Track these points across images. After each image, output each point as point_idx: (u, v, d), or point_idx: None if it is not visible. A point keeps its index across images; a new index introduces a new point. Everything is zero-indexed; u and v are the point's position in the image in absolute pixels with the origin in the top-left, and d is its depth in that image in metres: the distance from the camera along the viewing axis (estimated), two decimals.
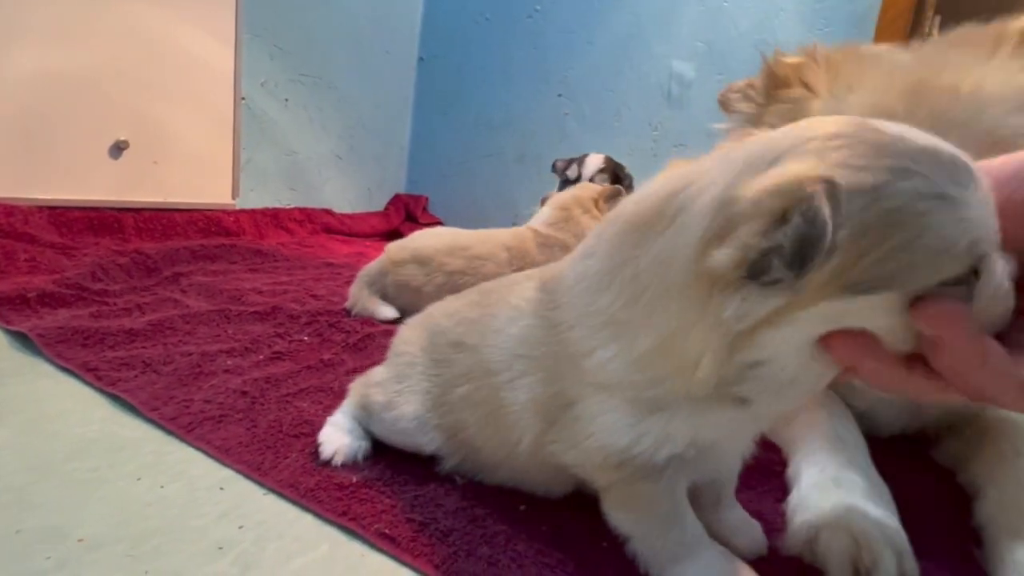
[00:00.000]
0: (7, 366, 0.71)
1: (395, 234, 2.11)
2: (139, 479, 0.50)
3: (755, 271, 0.26)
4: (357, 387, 0.59)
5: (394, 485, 0.52)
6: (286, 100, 1.87)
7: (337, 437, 0.56)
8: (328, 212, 2.07)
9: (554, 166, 1.79)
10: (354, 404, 0.58)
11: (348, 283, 1.34)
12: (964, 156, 0.26)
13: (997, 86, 0.43)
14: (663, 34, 1.90)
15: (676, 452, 0.36)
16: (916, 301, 0.26)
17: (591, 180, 1.67)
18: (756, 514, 0.51)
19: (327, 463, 0.54)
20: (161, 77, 1.48)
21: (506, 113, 2.25)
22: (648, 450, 0.36)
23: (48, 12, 1.29)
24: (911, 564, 0.42)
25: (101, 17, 1.37)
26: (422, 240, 1.11)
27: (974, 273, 0.26)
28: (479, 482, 0.52)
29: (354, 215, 2.20)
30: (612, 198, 1.19)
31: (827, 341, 0.28)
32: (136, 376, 0.70)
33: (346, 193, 2.23)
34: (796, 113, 0.53)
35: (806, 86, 0.54)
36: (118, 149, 1.42)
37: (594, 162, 1.68)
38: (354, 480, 0.52)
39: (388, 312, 1.05)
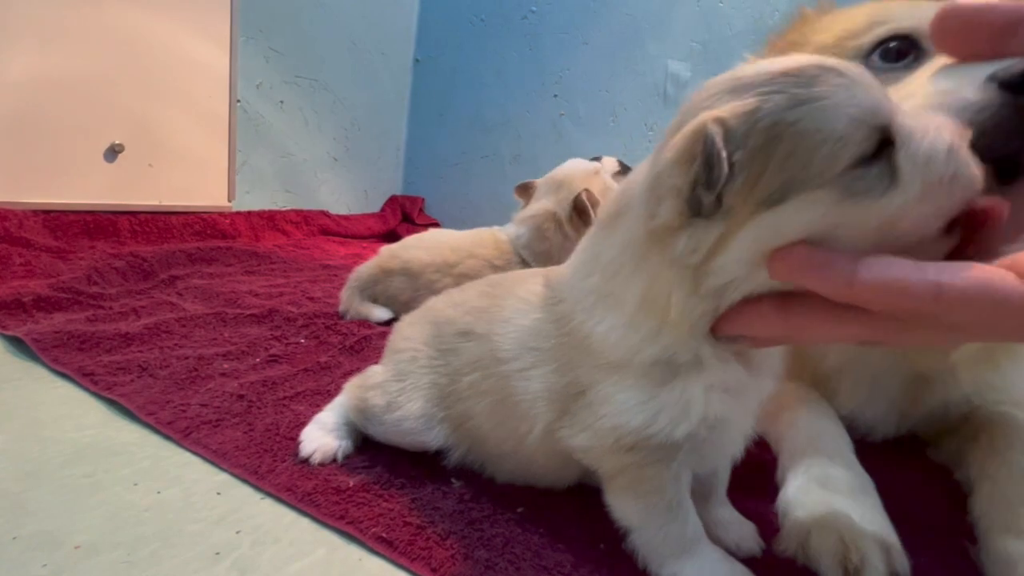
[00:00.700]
0: (2, 371, 0.70)
1: (392, 235, 2.11)
2: (135, 484, 0.50)
3: (693, 207, 0.30)
4: (352, 389, 0.59)
5: (391, 488, 0.52)
6: (281, 102, 1.87)
7: (318, 436, 0.56)
8: (324, 214, 2.07)
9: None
10: (348, 407, 0.58)
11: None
12: (830, 63, 0.30)
13: None
14: (658, 34, 1.90)
15: (692, 430, 0.37)
16: (778, 250, 0.30)
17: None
18: (757, 515, 0.51)
19: (305, 461, 0.54)
20: (156, 80, 1.47)
21: (502, 114, 2.25)
22: (665, 428, 0.37)
23: (42, 15, 1.29)
24: (901, 559, 0.42)
25: (96, 20, 1.36)
26: (414, 253, 1.10)
27: (890, 145, 0.29)
28: (477, 484, 0.52)
29: (350, 217, 2.19)
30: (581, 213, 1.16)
31: (768, 264, 0.31)
32: (132, 380, 0.69)
33: (342, 195, 2.22)
34: None
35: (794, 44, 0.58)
36: (113, 152, 1.42)
37: (610, 165, 1.67)
38: (351, 484, 0.52)
39: (382, 314, 1.05)
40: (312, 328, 0.97)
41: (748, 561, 0.46)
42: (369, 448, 0.58)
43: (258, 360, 0.82)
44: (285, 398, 0.69)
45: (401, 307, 1.02)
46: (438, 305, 0.58)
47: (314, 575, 0.41)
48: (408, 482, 0.53)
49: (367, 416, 0.56)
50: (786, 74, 0.29)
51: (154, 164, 1.49)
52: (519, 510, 0.50)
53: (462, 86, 2.34)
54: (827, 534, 0.43)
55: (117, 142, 1.41)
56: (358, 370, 0.82)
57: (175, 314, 0.96)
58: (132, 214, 1.46)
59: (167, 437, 0.58)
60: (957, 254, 0.30)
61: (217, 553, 0.42)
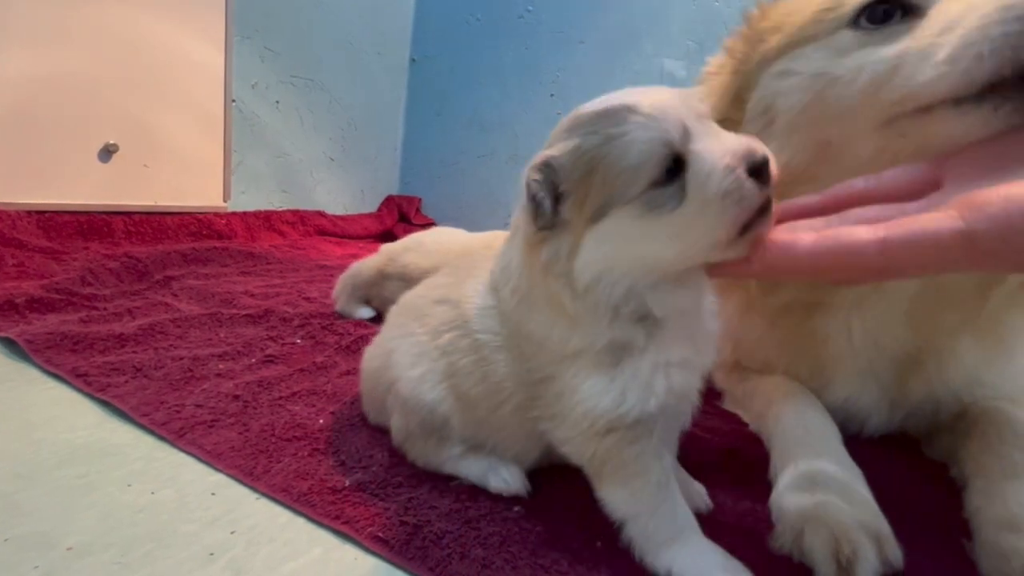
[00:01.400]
0: None
1: (388, 235, 2.10)
2: (129, 485, 0.49)
3: (539, 223, 0.39)
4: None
5: (388, 488, 0.51)
6: (277, 102, 1.87)
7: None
8: (321, 214, 2.06)
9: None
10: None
11: None
12: (636, 103, 0.36)
13: None
14: (654, 33, 1.90)
15: (662, 401, 0.41)
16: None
17: None
18: (753, 513, 0.51)
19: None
20: (151, 80, 1.47)
21: (498, 113, 2.25)
22: (636, 405, 0.40)
23: (36, 15, 1.28)
24: (893, 550, 0.43)
25: (90, 20, 1.35)
26: (413, 258, 1.08)
27: (683, 169, 0.36)
28: (472, 484, 0.52)
29: (347, 217, 2.19)
30: None
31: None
32: (126, 381, 0.69)
33: (339, 195, 2.22)
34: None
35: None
36: (108, 152, 1.41)
37: None
38: (347, 483, 0.51)
39: (365, 312, 1.06)
40: (308, 328, 0.96)
41: (749, 559, 0.46)
42: (366, 448, 0.58)
43: (254, 360, 0.81)
44: (281, 398, 0.69)
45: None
46: (395, 306, 0.62)
47: (309, 575, 0.41)
48: (405, 481, 0.53)
49: (416, 432, 0.55)
50: (601, 115, 0.37)
51: (149, 164, 1.49)
52: (516, 509, 0.50)
53: (459, 86, 2.34)
54: (819, 529, 0.43)
55: (111, 142, 1.40)
56: (354, 369, 0.82)
57: (170, 315, 0.96)
58: (127, 214, 1.45)
59: (161, 438, 0.58)
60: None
61: (211, 553, 0.42)
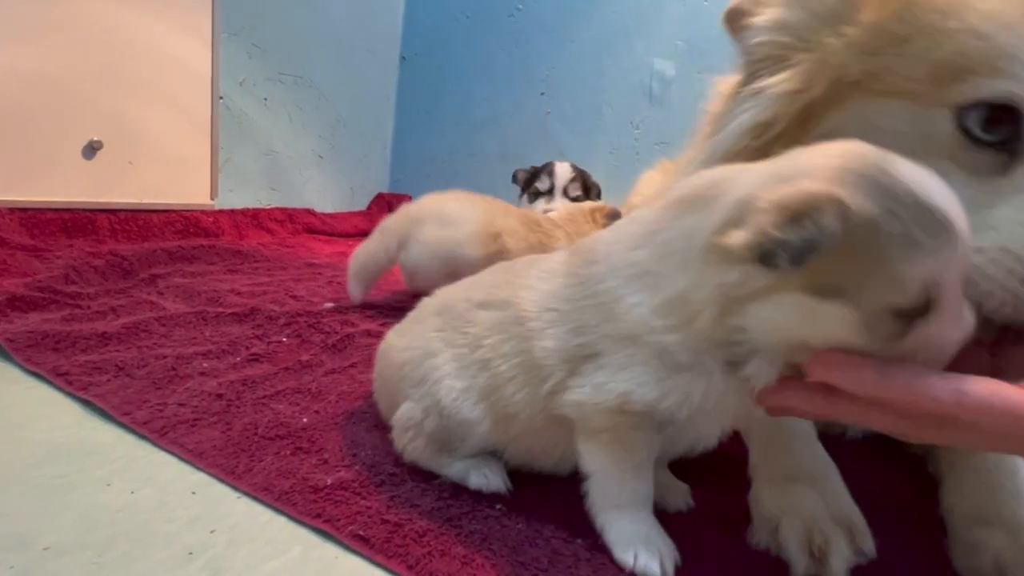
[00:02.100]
0: None
1: None
2: (109, 484, 0.49)
3: (761, 255, 0.31)
4: (408, 448, 0.55)
5: (370, 486, 0.51)
6: (265, 99, 1.85)
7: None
8: (310, 212, 2.05)
9: (515, 176, 1.78)
10: (428, 456, 0.54)
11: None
12: (950, 209, 0.30)
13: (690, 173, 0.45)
14: (644, 33, 1.91)
15: (691, 413, 0.41)
16: (817, 352, 0.33)
17: (564, 191, 1.66)
18: (734, 509, 0.52)
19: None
20: (136, 76, 1.45)
21: (488, 112, 2.25)
22: (670, 407, 0.40)
23: (20, 9, 1.27)
24: (866, 540, 0.44)
25: (73, 15, 1.34)
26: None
27: (928, 309, 0.31)
28: (454, 483, 0.52)
29: (336, 215, 2.18)
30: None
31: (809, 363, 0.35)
32: (108, 380, 0.68)
33: (328, 193, 2.21)
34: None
35: None
36: (92, 149, 1.39)
37: (564, 172, 1.67)
38: (329, 482, 0.51)
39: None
40: (295, 327, 0.96)
41: (729, 554, 0.47)
42: (349, 447, 0.58)
43: (239, 359, 0.81)
44: (265, 397, 0.69)
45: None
46: (439, 297, 0.59)
47: (289, 574, 0.41)
48: (387, 479, 0.53)
49: (428, 438, 0.53)
50: (915, 206, 0.30)
51: (134, 161, 1.47)
52: (498, 507, 0.50)
53: (449, 84, 2.33)
54: (794, 523, 0.44)
55: (96, 139, 1.38)
56: (340, 368, 0.82)
57: (155, 313, 0.95)
58: (111, 212, 1.44)
59: (143, 437, 0.57)
60: None
61: (190, 553, 0.41)
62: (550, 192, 1.66)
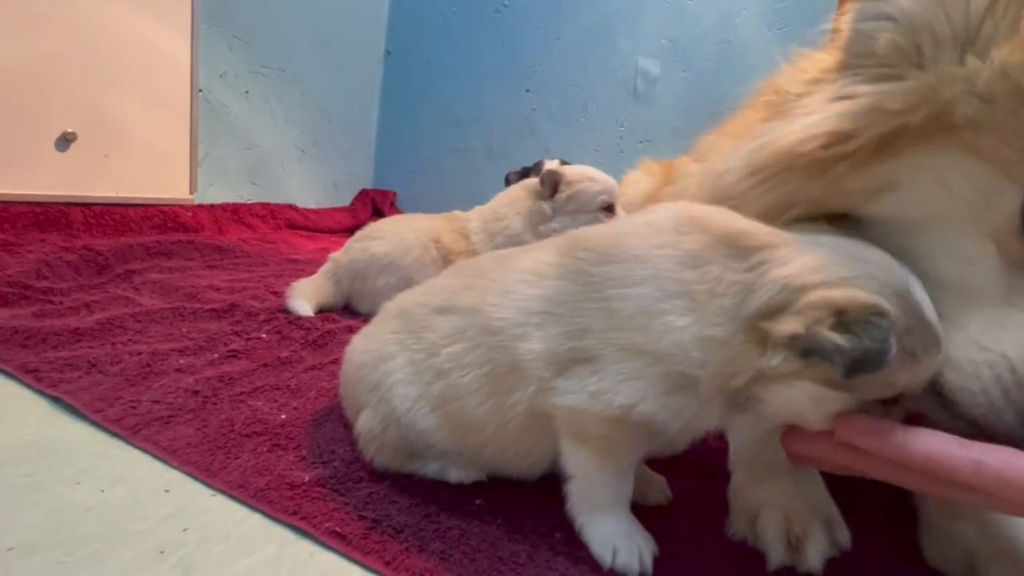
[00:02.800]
0: None
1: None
2: (78, 483, 0.48)
3: (809, 352, 0.33)
4: (376, 452, 0.53)
5: (348, 483, 0.51)
6: (246, 92, 1.82)
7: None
8: (292, 207, 2.03)
9: (507, 179, 1.78)
10: (391, 461, 0.53)
11: None
12: (940, 329, 0.35)
13: (730, 162, 0.44)
14: (629, 31, 1.91)
15: (684, 427, 0.41)
16: (842, 416, 0.36)
17: None
18: (714, 499, 0.52)
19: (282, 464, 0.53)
20: (111, 67, 1.42)
21: (474, 108, 2.24)
22: (667, 420, 0.40)
23: None
24: (842, 531, 0.44)
25: (48, 4, 1.30)
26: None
27: (895, 401, 0.36)
28: (434, 480, 0.52)
29: (319, 210, 2.16)
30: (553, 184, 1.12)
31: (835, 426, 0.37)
32: (80, 377, 0.67)
33: (311, 188, 2.18)
34: None
35: None
36: (65, 141, 1.36)
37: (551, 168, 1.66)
38: (306, 479, 0.51)
39: (305, 308, 1.02)
40: (274, 323, 0.95)
41: (708, 546, 0.47)
42: (328, 443, 0.58)
43: (216, 355, 0.79)
44: (243, 394, 0.68)
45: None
46: (399, 299, 0.57)
47: (263, 571, 0.40)
48: (366, 476, 0.52)
49: (392, 448, 0.52)
50: (923, 326, 0.34)
51: (110, 154, 1.44)
52: (477, 503, 0.50)
53: (434, 79, 2.32)
54: (771, 513, 0.45)
55: (69, 131, 1.35)
56: (321, 364, 0.81)
57: (130, 309, 0.93)
58: (86, 206, 1.41)
59: (115, 435, 0.56)
60: None
61: (161, 551, 0.41)
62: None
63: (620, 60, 1.94)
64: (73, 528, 0.42)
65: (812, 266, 0.36)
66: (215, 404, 0.64)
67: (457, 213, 1.25)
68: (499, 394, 0.45)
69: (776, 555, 0.44)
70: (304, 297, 1.05)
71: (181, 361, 0.76)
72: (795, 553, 0.44)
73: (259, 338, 0.88)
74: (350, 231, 2.15)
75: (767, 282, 0.36)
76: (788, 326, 0.34)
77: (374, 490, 0.50)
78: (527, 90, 2.12)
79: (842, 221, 0.41)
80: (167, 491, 0.48)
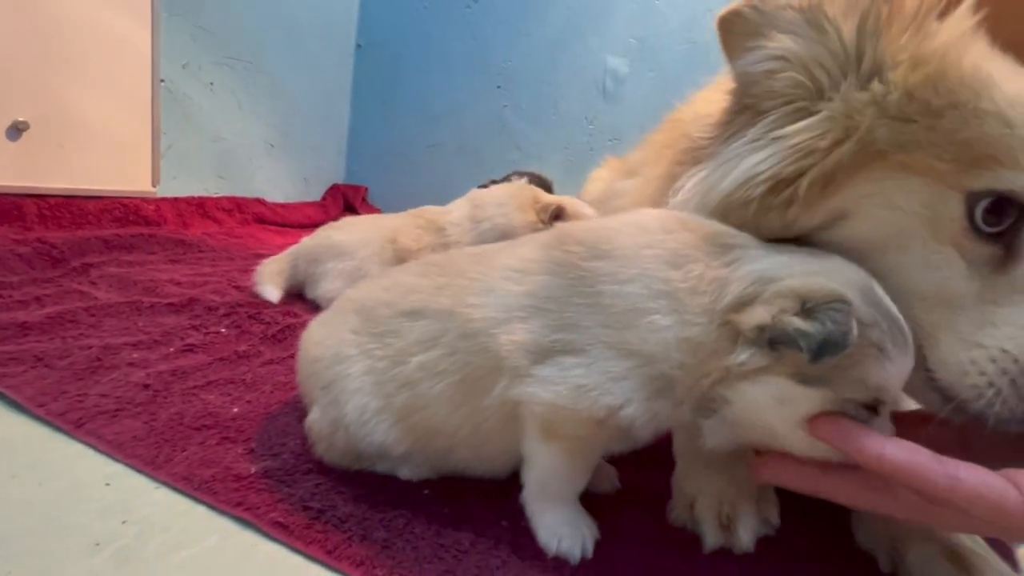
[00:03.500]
0: None
1: None
2: (14, 477, 0.47)
3: (776, 340, 0.34)
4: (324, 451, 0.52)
5: (296, 474, 0.51)
6: (211, 84, 1.79)
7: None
8: (260, 201, 1.99)
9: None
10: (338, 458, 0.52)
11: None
12: (906, 327, 0.36)
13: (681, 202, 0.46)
14: (598, 29, 1.93)
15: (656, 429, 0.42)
16: (816, 416, 0.36)
17: None
18: (660, 487, 0.53)
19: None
20: (65, 54, 1.37)
21: (446, 103, 2.23)
22: (645, 423, 0.40)
23: None
24: (772, 511, 0.46)
25: None
26: None
27: (872, 408, 0.36)
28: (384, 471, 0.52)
29: (289, 205, 2.12)
30: (555, 217, 1.16)
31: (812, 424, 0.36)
32: (24, 371, 0.65)
33: (280, 182, 2.15)
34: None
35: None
36: (16, 130, 1.31)
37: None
38: (253, 471, 0.51)
39: (272, 295, 1.06)
40: (234, 317, 0.94)
41: (649, 531, 0.48)
42: (278, 436, 0.57)
43: (172, 350, 0.78)
44: (195, 387, 0.67)
45: None
46: (358, 294, 0.55)
47: (201, 562, 0.40)
48: (314, 468, 0.52)
49: (341, 452, 0.51)
50: (890, 320, 0.35)
51: (65, 144, 1.39)
52: (425, 492, 0.50)
53: (406, 74, 2.30)
54: (706, 498, 0.46)
55: (20, 119, 1.30)
56: (279, 359, 0.81)
57: (84, 303, 0.91)
58: (40, 198, 1.36)
59: (58, 429, 0.55)
60: None
61: (97, 544, 0.40)
62: None
63: (589, 58, 1.95)
64: (6, 522, 0.42)
65: (781, 262, 0.37)
66: (166, 398, 0.63)
67: (429, 208, 1.27)
68: (474, 400, 0.43)
69: (710, 538, 0.46)
70: (272, 282, 1.09)
71: (134, 355, 0.74)
72: (727, 534, 0.45)
73: (217, 332, 0.87)
74: (320, 226, 2.14)
75: (739, 276, 0.37)
76: (755, 316, 0.35)
77: (322, 481, 0.50)
78: (498, 86, 2.12)
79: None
80: (108, 484, 0.48)
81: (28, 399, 0.59)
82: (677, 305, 0.38)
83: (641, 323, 0.38)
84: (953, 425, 0.37)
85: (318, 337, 0.54)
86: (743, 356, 0.35)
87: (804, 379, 0.35)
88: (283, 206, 2.08)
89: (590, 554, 0.44)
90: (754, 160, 0.40)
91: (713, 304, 0.37)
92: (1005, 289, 0.36)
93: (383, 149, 2.38)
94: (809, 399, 0.35)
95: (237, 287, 1.14)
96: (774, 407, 0.36)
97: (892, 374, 0.35)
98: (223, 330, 0.89)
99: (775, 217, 0.40)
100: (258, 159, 2.04)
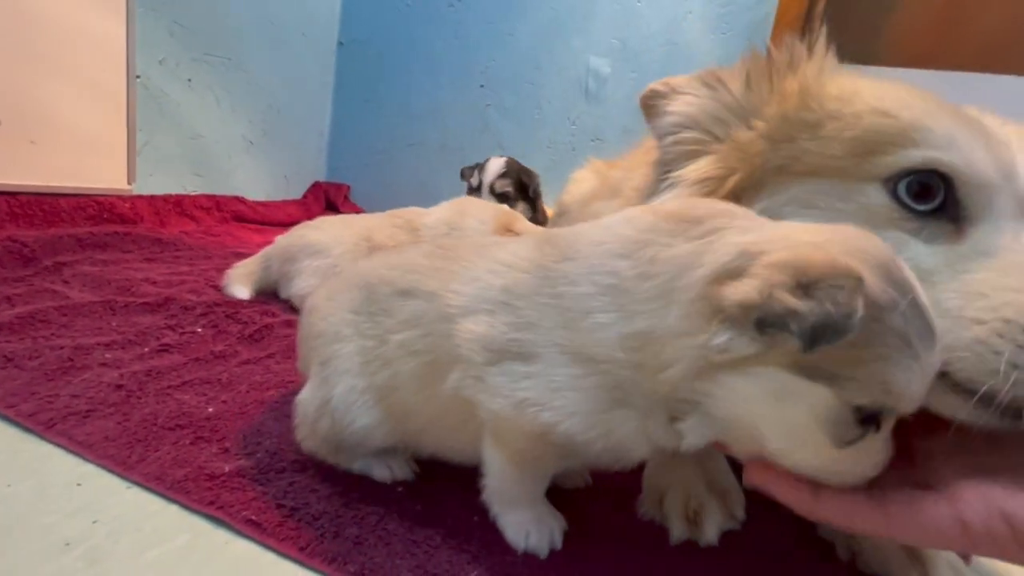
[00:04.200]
0: None
1: None
2: None
3: (765, 322, 0.28)
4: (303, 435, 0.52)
5: (270, 473, 0.51)
6: (189, 80, 1.76)
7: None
8: (239, 199, 1.97)
9: (462, 174, 1.79)
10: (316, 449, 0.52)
11: None
12: (933, 319, 0.30)
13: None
14: (581, 29, 1.95)
15: (608, 447, 0.38)
16: (822, 492, 0.32)
17: (491, 185, 1.67)
18: (633, 484, 0.55)
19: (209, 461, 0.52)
20: (37, 49, 1.35)
21: (429, 102, 2.23)
22: (593, 439, 0.37)
23: None
24: (738, 506, 0.48)
25: None
26: None
27: (875, 420, 0.30)
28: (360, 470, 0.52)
29: (269, 203, 2.11)
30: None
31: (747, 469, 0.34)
32: None
33: (260, 180, 2.13)
34: None
35: None
36: None
37: (494, 166, 1.67)
38: (227, 469, 0.51)
39: (242, 293, 1.07)
40: (211, 317, 0.93)
41: (621, 525, 0.49)
42: (253, 436, 0.58)
43: (146, 350, 0.78)
44: (170, 387, 0.67)
45: None
46: (366, 269, 0.52)
47: (172, 561, 0.40)
48: (289, 467, 0.53)
49: (329, 442, 0.50)
50: (914, 307, 0.29)
51: (37, 141, 1.37)
52: (399, 489, 0.51)
53: (389, 72, 2.30)
54: (674, 493, 0.47)
55: None
56: (256, 359, 0.81)
57: (56, 302, 0.90)
58: (11, 195, 1.33)
59: (27, 430, 0.55)
60: None
61: (67, 544, 0.40)
62: (479, 189, 1.67)
63: (572, 59, 1.97)
64: None
65: (777, 234, 0.31)
66: (139, 398, 0.63)
67: (409, 209, 1.28)
68: (435, 384, 0.43)
69: (676, 531, 0.47)
70: (241, 282, 1.09)
71: (107, 355, 0.74)
72: (694, 528, 0.47)
73: (194, 332, 0.87)
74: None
75: (720, 247, 0.32)
76: (739, 291, 0.29)
77: (295, 480, 0.51)
78: (481, 85, 2.13)
79: None
80: (79, 485, 0.47)
81: None
82: (621, 298, 0.34)
83: (585, 324, 0.35)
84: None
85: (324, 311, 0.52)
86: (720, 338, 0.29)
87: (805, 372, 0.29)
88: (263, 204, 2.06)
89: (559, 546, 0.45)
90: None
91: (671, 283, 0.32)
92: (971, 254, 0.36)
93: (365, 147, 2.37)
94: (809, 398, 0.29)
95: (215, 286, 1.13)
96: (767, 405, 0.30)
97: (916, 375, 0.29)
98: (199, 330, 0.88)
99: None
100: (237, 156, 2.02)
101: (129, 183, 1.59)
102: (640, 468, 0.56)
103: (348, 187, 2.42)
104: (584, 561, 0.45)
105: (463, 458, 0.49)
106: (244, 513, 0.45)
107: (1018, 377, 0.31)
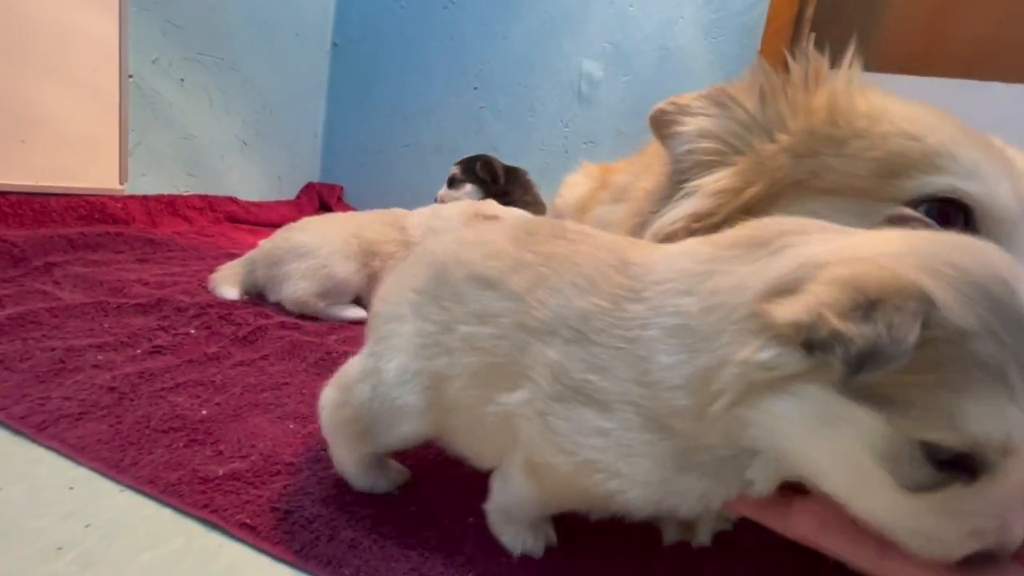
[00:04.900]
0: None
1: None
2: None
3: (811, 343, 0.25)
4: (332, 417, 0.48)
5: (264, 476, 0.51)
6: (182, 80, 1.75)
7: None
8: (232, 200, 1.97)
9: (452, 176, 1.83)
10: (344, 438, 0.48)
11: None
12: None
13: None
14: (574, 33, 1.95)
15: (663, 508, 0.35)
16: (891, 552, 0.27)
17: (450, 177, 1.76)
18: None
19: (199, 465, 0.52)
20: (28, 48, 1.34)
21: (423, 103, 2.23)
22: (647, 504, 0.34)
23: None
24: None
25: None
26: None
27: (971, 464, 0.24)
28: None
29: (262, 203, 2.10)
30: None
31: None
32: None
33: (254, 181, 2.12)
34: None
35: None
36: None
37: (463, 161, 1.76)
38: (220, 473, 0.51)
39: (230, 293, 1.07)
40: (204, 318, 0.93)
41: (612, 528, 0.50)
42: (247, 438, 0.57)
43: (139, 351, 0.77)
44: (163, 389, 0.66)
45: None
46: (437, 248, 0.47)
47: (165, 565, 0.40)
48: (283, 469, 0.53)
49: (362, 426, 0.45)
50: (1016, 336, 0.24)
51: (27, 140, 1.36)
52: (394, 492, 0.51)
53: (383, 73, 2.30)
54: None
55: None
56: (250, 360, 0.80)
57: (47, 303, 0.89)
58: (0, 195, 1.32)
59: (19, 433, 0.54)
60: None
61: (59, 548, 0.40)
62: (452, 181, 1.76)
63: (565, 62, 1.97)
64: None
65: (847, 244, 0.28)
66: (132, 400, 0.63)
67: (394, 210, 1.29)
68: (487, 388, 0.39)
69: (669, 533, 0.47)
70: (228, 283, 1.09)
71: (99, 357, 0.73)
72: (687, 530, 0.47)
73: (187, 334, 0.86)
74: None
75: (779, 262, 0.29)
76: (789, 309, 0.25)
77: (290, 483, 0.51)
78: (475, 87, 2.13)
79: None
80: (71, 488, 0.47)
81: None
82: (687, 338, 0.31)
83: (655, 374, 0.31)
84: None
85: (384, 295, 0.48)
86: (764, 354, 0.26)
87: (858, 394, 0.25)
88: (257, 205, 2.05)
89: (554, 542, 0.46)
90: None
91: (732, 308, 0.29)
92: None
93: (359, 148, 2.37)
94: (858, 424, 0.25)
95: (206, 287, 1.13)
96: (812, 431, 0.27)
97: (1011, 416, 0.23)
98: (192, 331, 0.88)
99: None
100: (230, 157, 2.01)
101: (121, 183, 1.58)
102: None
103: (342, 188, 2.42)
104: (577, 562, 0.45)
105: (481, 463, 0.46)
106: (238, 516, 0.45)
107: None
